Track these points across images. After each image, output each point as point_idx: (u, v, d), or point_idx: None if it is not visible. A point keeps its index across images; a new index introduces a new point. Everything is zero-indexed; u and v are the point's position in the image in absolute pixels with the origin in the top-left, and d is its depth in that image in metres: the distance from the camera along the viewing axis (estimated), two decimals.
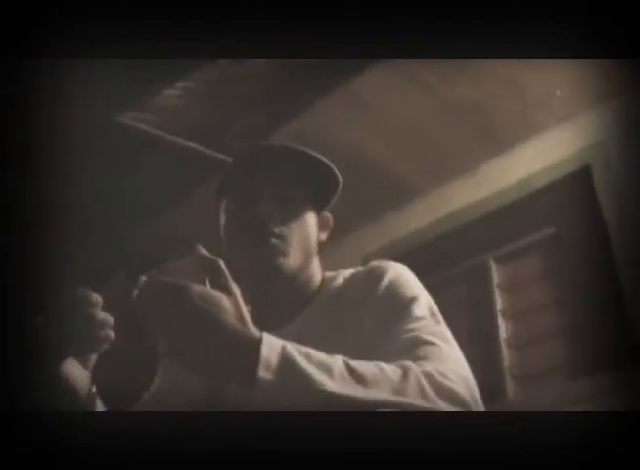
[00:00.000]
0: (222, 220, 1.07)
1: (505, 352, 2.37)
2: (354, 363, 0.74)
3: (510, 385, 2.31)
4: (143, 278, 0.72)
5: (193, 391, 0.95)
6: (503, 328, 2.44)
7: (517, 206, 2.57)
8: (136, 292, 0.72)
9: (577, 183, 2.43)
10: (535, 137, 2.58)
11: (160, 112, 2.38)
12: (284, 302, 1.02)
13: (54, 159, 2.43)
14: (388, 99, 2.41)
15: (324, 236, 1.11)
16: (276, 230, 0.99)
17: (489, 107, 2.45)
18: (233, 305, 0.72)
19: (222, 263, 0.74)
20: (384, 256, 2.72)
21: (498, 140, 2.61)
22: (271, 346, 0.71)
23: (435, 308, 0.95)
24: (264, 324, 0.99)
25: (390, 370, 0.75)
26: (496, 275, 2.58)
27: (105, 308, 0.74)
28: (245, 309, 0.73)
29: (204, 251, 0.76)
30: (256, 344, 0.70)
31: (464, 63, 2.24)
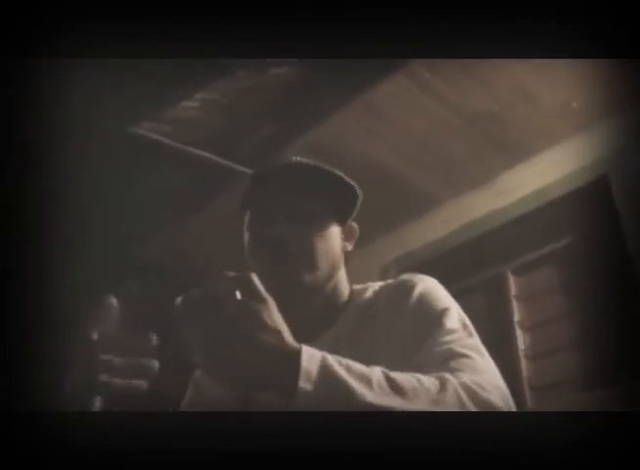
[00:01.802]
0: (245, 236, 1.07)
1: (523, 363, 2.38)
2: (393, 374, 0.74)
3: (529, 396, 2.31)
4: (179, 299, 0.72)
5: (225, 406, 0.95)
6: (521, 339, 2.44)
7: (534, 216, 2.57)
8: (178, 304, 0.71)
9: (595, 193, 2.41)
10: (552, 147, 2.57)
11: (175, 122, 2.39)
12: (312, 316, 1.03)
13: (54, 159, 2.43)
14: (404, 110, 2.41)
15: (350, 246, 1.11)
16: (298, 245, 0.99)
17: (506, 117, 2.45)
18: (270, 315, 0.71)
19: (254, 276, 0.73)
20: (401, 266, 2.74)
21: (515, 150, 2.61)
22: (311, 356, 0.70)
23: (467, 320, 0.95)
24: (295, 339, 1.00)
25: (428, 382, 0.74)
26: (513, 286, 2.58)
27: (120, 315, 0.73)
28: (282, 320, 0.72)
29: (231, 273, 0.74)
30: (296, 354, 0.70)
31: (480, 73, 2.23)
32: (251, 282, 0.72)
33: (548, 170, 2.56)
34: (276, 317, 0.72)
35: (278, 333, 0.70)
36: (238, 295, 0.70)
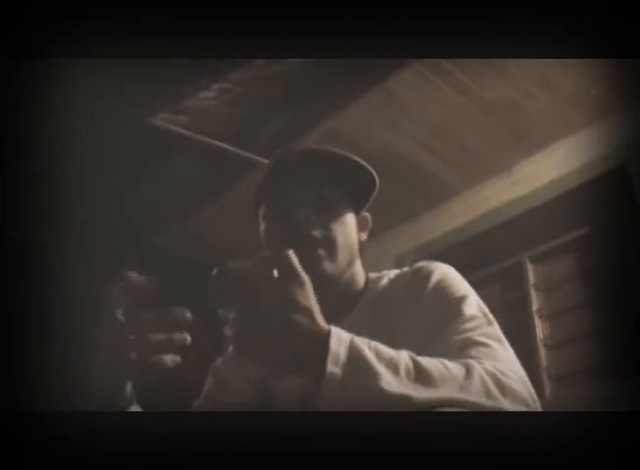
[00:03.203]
0: (262, 226, 1.06)
1: (542, 353, 2.37)
2: (420, 360, 0.73)
3: (548, 385, 2.30)
4: (215, 271, 0.72)
5: (245, 396, 0.95)
6: (539, 328, 2.43)
7: (552, 205, 2.55)
8: (213, 276, 0.71)
9: (613, 182, 2.39)
10: (570, 136, 2.56)
11: (190, 112, 2.38)
12: (330, 304, 1.01)
13: (53, 159, 2.43)
14: (422, 99, 2.40)
15: (364, 236, 1.10)
16: (317, 234, 0.98)
17: (524, 106, 2.43)
18: (305, 295, 0.71)
19: (292, 254, 0.73)
20: (418, 256, 2.74)
21: (533, 139, 2.59)
22: (339, 339, 0.70)
23: (485, 308, 0.94)
24: None
25: (454, 367, 0.74)
26: (532, 275, 2.58)
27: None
28: (315, 300, 0.72)
29: (268, 252, 0.75)
30: (325, 336, 0.70)
31: (496, 62, 2.22)
32: (289, 260, 0.72)
33: (567, 159, 2.54)
34: (310, 297, 0.71)
35: (310, 313, 0.70)
36: (275, 273, 0.70)
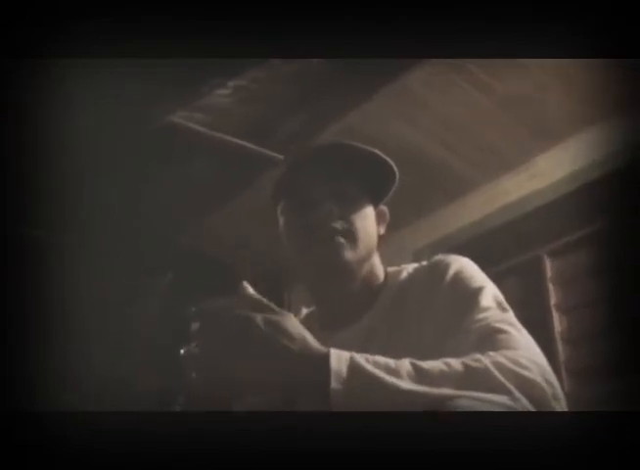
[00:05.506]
0: (281, 222, 1.06)
1: (560, 347, 2.37)
2: (421, 363, 0.74)
3: (566, 380, 2.30)
4: (193, 308, 0.75)
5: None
6: (557, 322, 2.43)
7: (569, 199, 2.54)
8: (196, 324, 0.74)
9: (631, 176, 2.35)
10: (587, 130, 2.54)
11: (203, 111, 2.38)
12: (350, 299, 1.03)
13: (53, 158, 2.43)
14: (439, 94, 2.39)
15: (383, 230, 1.10)
16: (339, 227, 0.99)
17: (541, 100, 2.41)
18: (293, 325, 0.74)
19: (267, 302, 0.76)
20: (436, 250, 2.70)
21: (549, 133, 2.58)
22: (339, 358, 0.72)
23: (502, 297, 0.94)
24: (332, 323, 1.01)
25: (459, 364, 0.74)
26: (549, 269, 2.57)
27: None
28: (303, 328, 0.75)
29: (250, 289, 0.78)
30: (325, 358, 0.72)
31: (514, 59, 2.22)
32: (266, 307, 0.75)
33: (584, 153, 2.52)
34: (298, 326, 0.75)
35: (304, 341, 0.73)
36: (259, 317, 0.73)
